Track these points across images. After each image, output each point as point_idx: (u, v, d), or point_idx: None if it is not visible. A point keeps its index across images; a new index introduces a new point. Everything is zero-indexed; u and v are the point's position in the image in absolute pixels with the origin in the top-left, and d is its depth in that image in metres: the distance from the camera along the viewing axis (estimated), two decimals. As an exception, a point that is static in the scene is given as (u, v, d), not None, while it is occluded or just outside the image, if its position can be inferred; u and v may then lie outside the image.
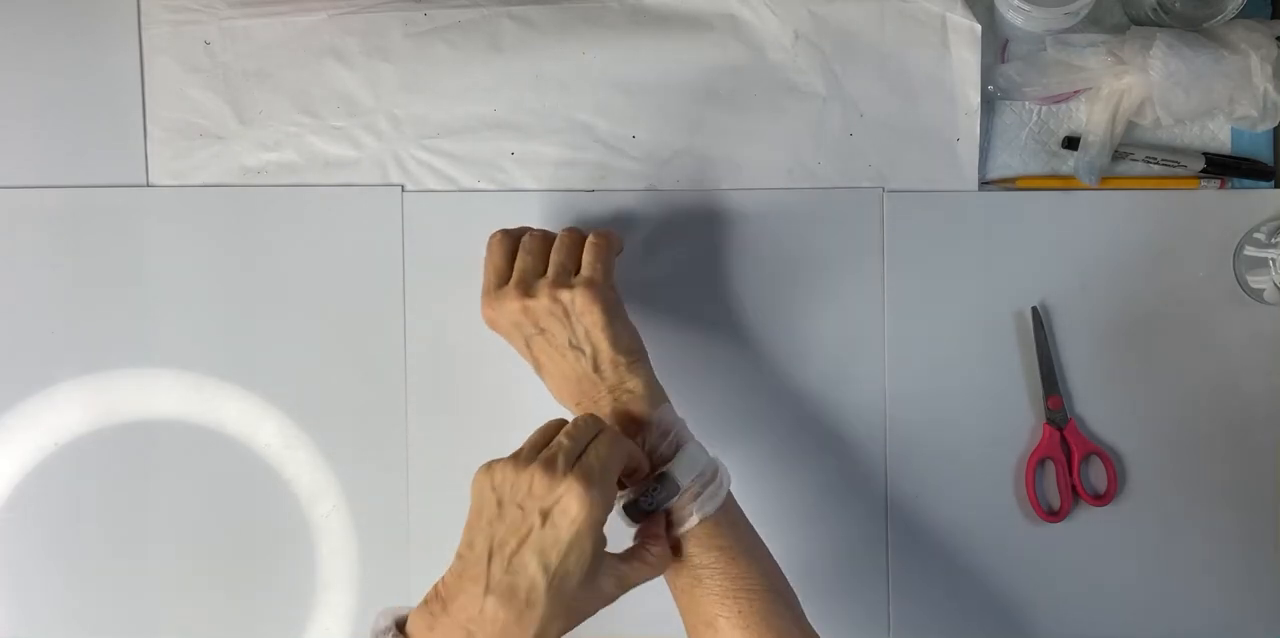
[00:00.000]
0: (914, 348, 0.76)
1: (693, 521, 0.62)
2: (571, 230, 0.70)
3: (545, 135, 0.77)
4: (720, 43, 0.77)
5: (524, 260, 0.68)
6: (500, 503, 0.57)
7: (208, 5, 0.78)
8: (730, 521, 0.64)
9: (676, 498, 0.62)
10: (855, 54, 0.77)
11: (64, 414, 0.77)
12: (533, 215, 0.77)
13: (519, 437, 0.71)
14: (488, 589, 0.55)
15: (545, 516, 0.56)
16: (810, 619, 0.63)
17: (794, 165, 0.77)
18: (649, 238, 0.77)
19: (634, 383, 0.65)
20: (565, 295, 0.65)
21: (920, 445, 0.76)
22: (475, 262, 0.75)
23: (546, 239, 0.69)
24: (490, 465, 0.59)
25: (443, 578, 0.58)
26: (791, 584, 0.65)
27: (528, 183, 0.77)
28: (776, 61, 0.77)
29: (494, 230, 0.70)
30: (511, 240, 0.70)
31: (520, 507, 0.57)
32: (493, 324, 0.68)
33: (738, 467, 0.75)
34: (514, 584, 0.55)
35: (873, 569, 0.76)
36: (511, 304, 0.66)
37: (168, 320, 0.78)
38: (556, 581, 0.55)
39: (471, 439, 0.77)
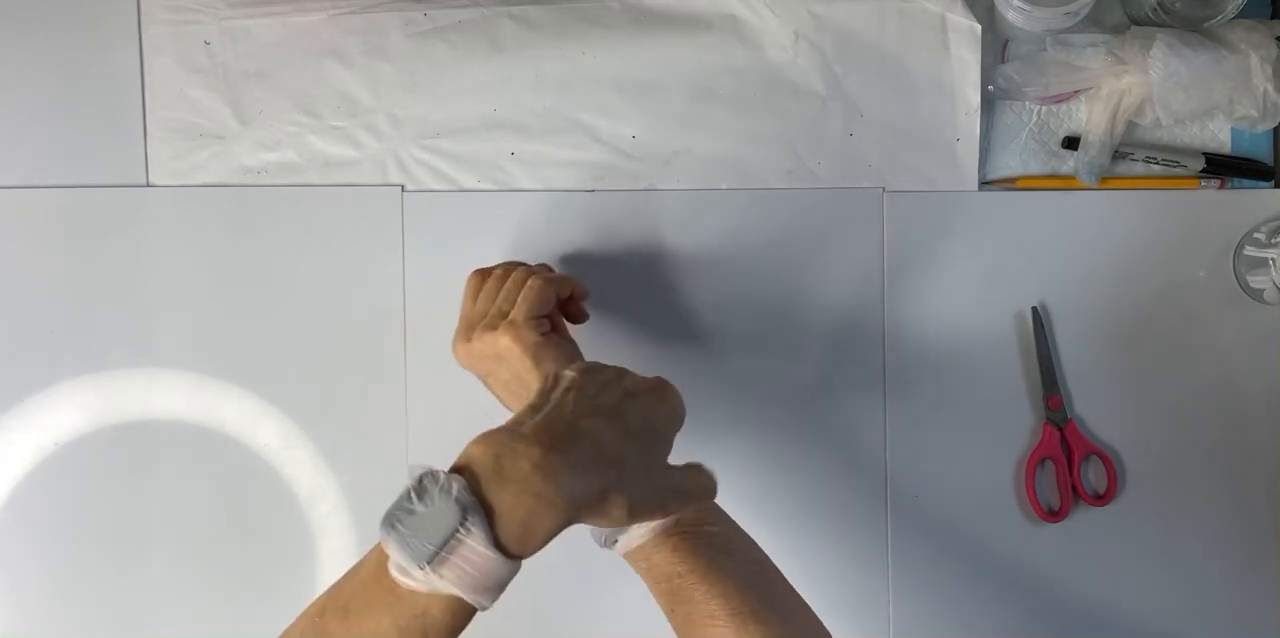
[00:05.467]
0: (914, 348, 0.76)
1: (639, 537, 0.61)
2: (524, 271, 0.70)
3: (545, 135, 0.77)
4: (720, 43, 0.77)
5: (477, 304, 0.69)
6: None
7: (208, 5, 0.78)
8: (694, 545, 0.61)
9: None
10: (855, 54, 0.77)
11: (64, 414, 0.77)
12: (533, 215, 0.77)
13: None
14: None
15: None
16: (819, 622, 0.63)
17: (794, 165, 0.77)
18: (649, 238, 0.77)
19: None
20: (489, 337, 0.66)
21: (920, 445, 0.76)
22: (475, 261, 0.75)
23: (506, 279, 0.70)
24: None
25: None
26: (793, 585, 0.64)
27: (528, 183, 0.77)
28: (776, 61, 0.77)
29: (502, 235, 0.72)
30: (481, 280, 0.71)
31: None
32: (461, 366, 0.70)
33: (737, 467, 0.75)
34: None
35: (873, 569, 0.76)
36: (459, 348, 0.69)
37: (168, 320, 0.78)
38: None
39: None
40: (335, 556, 0.77)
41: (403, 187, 0.77)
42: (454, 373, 0.76)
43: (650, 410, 0.56)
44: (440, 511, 0.48)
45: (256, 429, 0.77)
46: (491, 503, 0.48)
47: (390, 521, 0.48)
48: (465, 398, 0.76)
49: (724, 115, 0.77)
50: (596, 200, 0.77)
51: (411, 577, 0.48)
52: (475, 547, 0.47)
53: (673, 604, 0.61)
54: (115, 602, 0.77)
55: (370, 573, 0.50)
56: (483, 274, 0.71)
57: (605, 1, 0.77)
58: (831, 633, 0.62)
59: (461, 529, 0.47)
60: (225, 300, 0.78)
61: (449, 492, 0.48)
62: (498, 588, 0.48)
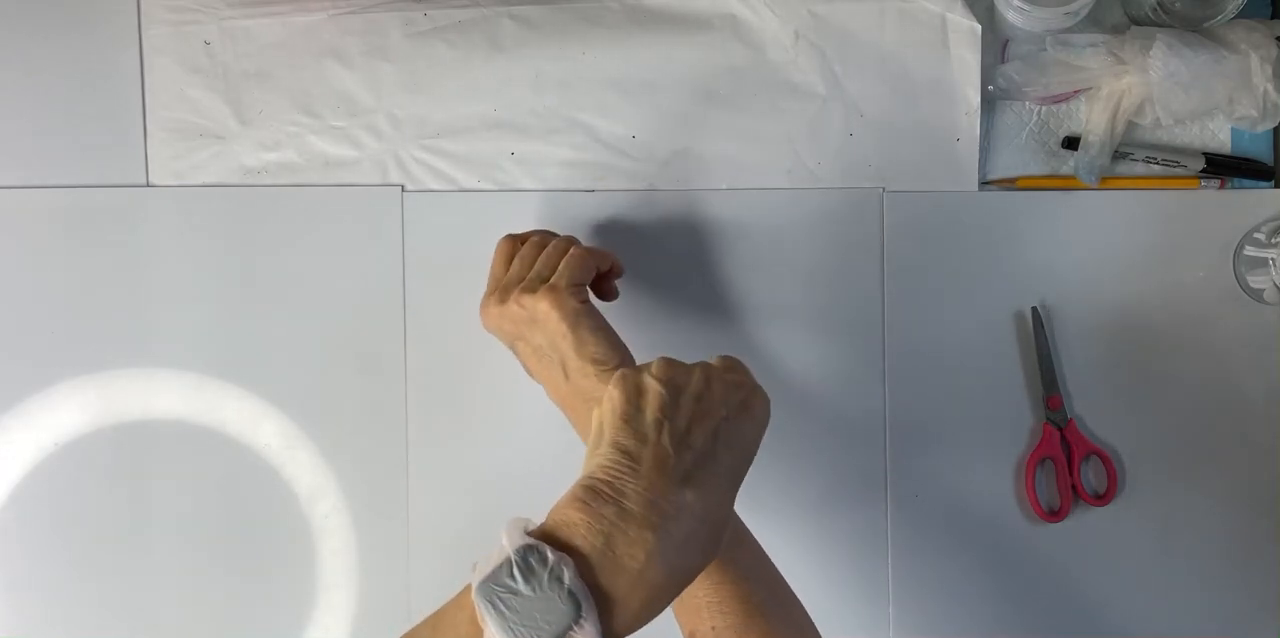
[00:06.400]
0: (914, 348, 0.76)
1: None
2: (565, 240, 0.70)
3: (545, 135, 0.77)
4: (720, 43, 0.77)
5: (512, 268, 0.69)
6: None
7: (208, 5, 0.78)
8: None
9: None
10: (855, 54, 0.77)
11: (64, 414, 0.77)
12: (533, 215, 0.77)
13: (519, 436, 0.71)
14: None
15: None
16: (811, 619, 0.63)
17: (794, 165, 0.77)
18: (649, 238, 0.77)
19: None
20: (528, 301, 0.65)
21: (920, 445, 0.76)
22: (475, 261, 0.75)
23: (542, 246, 0.69)
24: None
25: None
26: (791, 585, 0.64)
27: (528, 183, 0.77)
28: (776, 61, 0.77)
29: (502, 235, 0.71)
30: (514, 246, 0.70)
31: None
32: (486, 329, 0.70)
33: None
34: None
35: (873, 569, 0.76)
36: (491, 310, 0.68)
37: (168, 320, 0.78)
38: None
39: (471, 439, 0.77)
40: (335, 556, 0.77)
41: (403, 187, 0.77)
42: (454, 372, 0.77)
43: (743, 436, 0.53)
44: (550, 599, 0.45)
45: (256, 429, 0.77)
46: (605, 592, 0.46)
47: (490, 596, 0.45)
48: (466, 396, 0.77)
49: (724, 115, 0.77)
50: (596, 200, 0.77)
51: None
52: None
53: None
54: (115, 602, 0.77)
55: None
56: (515, 240, 0.71)
57: (605, 1, 0.77)
58: (831, 633, 0.62)
59: (575, 626, 0.45)
60: (225, 300, 0.78)
61: (560, 579, 0.45)
62: None
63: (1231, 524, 0.76)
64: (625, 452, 0.50)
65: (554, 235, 0.71)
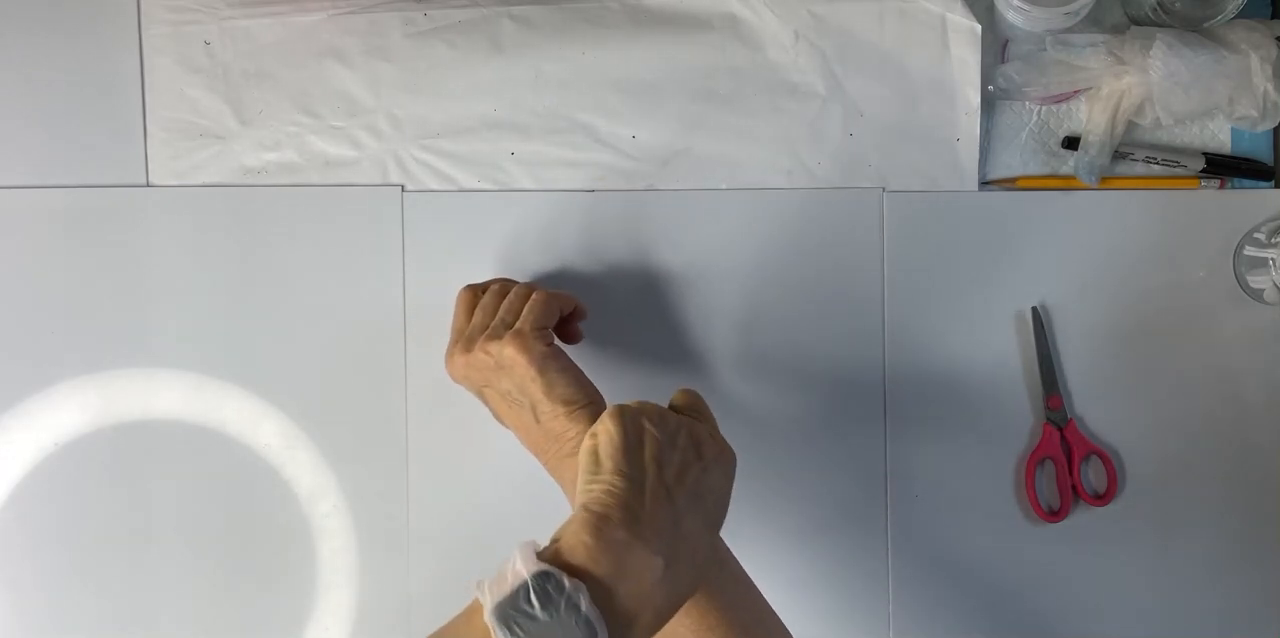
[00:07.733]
0: (914, 348, 0.76)
1: None
2: (525, 286, 0.70)
3: (545, 135, 0.77)
4: (720, 43, 0.77)
5: (475, 317, 0.69)
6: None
7: (208, 5, 0.78)
8: None
9: None
10: (855, 54, 0.77)
11: (64, 414, 0.77)
12: (533, 215, 0.77)
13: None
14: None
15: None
16: (810, 620, 0.63)
17: (794, 165, 0.77)
18: (648, 238, 0.77)
19: (577, 432, 0.64)
20: (494, 347, 0.65)
21: (920, 446, 0.76)
22: (475, 261, 0.76)
23: (503, 294, 0.70)
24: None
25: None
26: (792, 586, 0.64)
27: (528, 183, 0.77)
28: (776, 61, 0.77)
29: (501, 235, 0.72)
30: (474, 296, 0.71)
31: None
32: (452, 379, 0.70)
33: (737, 469, 0.75)
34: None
35: (873, 569, 0.76)
36: (457, 359, 0.68)
37: (168, 320, 0.77)
38: None
39: (471, 439, 0.77)
40: (335, 556, 0.77)
41: (403, 187, 0.77)
42: (454, 373, 0.77)
43: (720, 486, 0.58)
44: (567, 625, 0.47)
45: (256, 429, 0.77)
46: (617, 616, 0.48)
47: (507, 620, 0.47)
48: (465, 397, 0.76)
49: (724, 115, 0.77)
50: (596, 200, 0.77)
51: None
52: None
53: None
54: (115, 602, 0.77)
55: None
56: (476, 289, 0.71)
57: (605, 1, 0.77)
58: (832, 633, 0.62)
59: None
60: (225, 300, 0.77)
61: (576, 606, 0.47)
62: None
63: (1231, 524, 0.76)
64: (631, 480, 0.53)
65: (514, 283, 0.72)
